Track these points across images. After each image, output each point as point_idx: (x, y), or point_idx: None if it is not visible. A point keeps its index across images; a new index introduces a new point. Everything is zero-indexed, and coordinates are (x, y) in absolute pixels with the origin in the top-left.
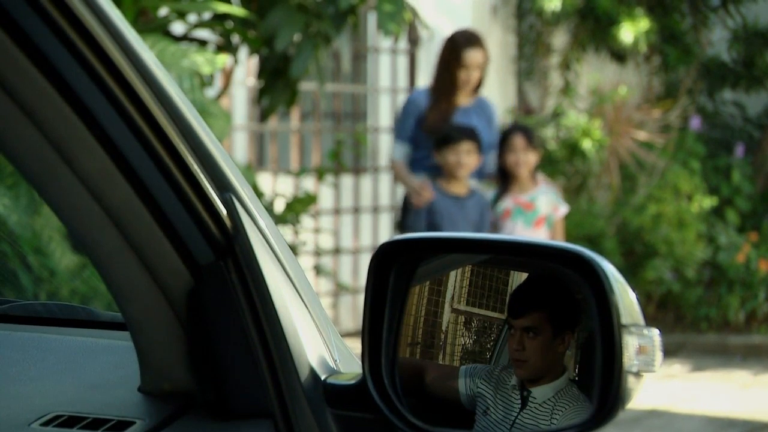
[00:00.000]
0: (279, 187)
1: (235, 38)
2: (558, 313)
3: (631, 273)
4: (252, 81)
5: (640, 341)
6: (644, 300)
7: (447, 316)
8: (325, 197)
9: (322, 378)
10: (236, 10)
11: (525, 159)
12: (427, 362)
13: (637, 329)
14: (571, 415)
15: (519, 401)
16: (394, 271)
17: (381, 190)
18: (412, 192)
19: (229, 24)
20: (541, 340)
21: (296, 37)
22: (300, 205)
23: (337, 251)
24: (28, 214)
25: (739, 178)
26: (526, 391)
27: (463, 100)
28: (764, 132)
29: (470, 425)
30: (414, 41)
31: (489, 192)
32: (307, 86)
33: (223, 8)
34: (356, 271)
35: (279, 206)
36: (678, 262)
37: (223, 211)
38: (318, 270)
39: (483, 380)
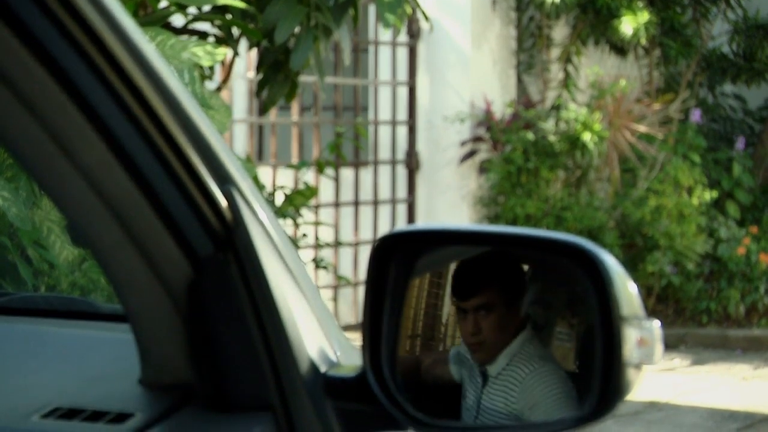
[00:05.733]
0: (279, 180)
1: (235, 30)
2: (507, 284)
3: (631, 266)
4: (252, 73)
5: (640, 333)
6: (644, 293)
7: (447, 308)
8: (325, 190)
9: (323, 370)
10: (236, 2)
11: None
12: (422, 354)
13: (637, 321)
14: (531, 378)
15: (481, 380)
16: (394, 264)
17: (381, 184)
18: None
19: (229, 16)
20: (495, 316)
21: (296, 29)
22: (300, 198)
23: (337, 244)
24: (28, 206)
25: (739, 171)
26: (482, 367)
27: None
28: (765, 125)
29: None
30: (414, 34)
31: None
32: (307, 79)
33: (223, 0)
34: (356, 265)
35: (279, 199)
36: (678, 255)
37: (224, 203)
38: (318, 263)
39: (457, 365)
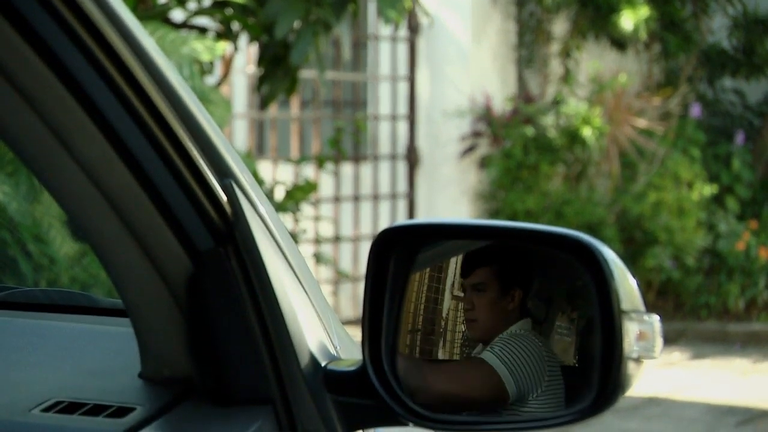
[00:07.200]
0: (279, 175)
1: (235, 25)
2: (505, 269)
3: (631, 261)
4: (252, 68)
5: (640, 327)
6: (644, 288)
7: (447, 302)
8: (325, 185)
9: (323, 364)
10: None
11: None
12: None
13: (638, 315)
14: (521, 340)
15: None
16: (394, 258)
17: (381, 178)
18: None
19: (229, 11)
20: (488, 296)
21: (296, 24)
22: (300, 192)
23: (337, 239)
24: (28, 201)
25: (739, 166)
26: (481, 348)
27: None
28: (764, 119)
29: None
30: (414, 29)
31: None
32: (307, 74)
33: None
34: (356, 259)
35: (279, 194)
36: (678, 249)
37: (223, 197)
38: (318, 258)
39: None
